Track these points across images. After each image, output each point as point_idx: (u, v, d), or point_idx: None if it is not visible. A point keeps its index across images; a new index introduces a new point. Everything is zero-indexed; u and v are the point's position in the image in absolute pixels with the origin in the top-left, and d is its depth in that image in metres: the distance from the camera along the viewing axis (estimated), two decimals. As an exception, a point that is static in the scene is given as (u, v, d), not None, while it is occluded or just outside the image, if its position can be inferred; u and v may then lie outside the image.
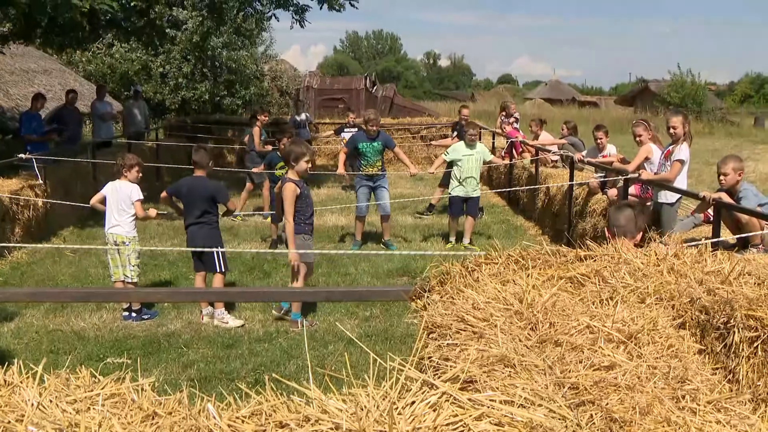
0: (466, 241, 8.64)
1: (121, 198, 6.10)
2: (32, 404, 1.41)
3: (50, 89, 18.11)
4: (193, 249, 5.91)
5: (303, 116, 14.82)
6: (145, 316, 5.94)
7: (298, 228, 5.72)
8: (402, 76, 69.79)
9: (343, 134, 13.06)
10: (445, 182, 10.37)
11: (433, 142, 14.78)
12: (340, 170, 8.84)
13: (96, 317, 5.95)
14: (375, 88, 25.98)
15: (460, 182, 8.57)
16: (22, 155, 8.88)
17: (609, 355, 1.93)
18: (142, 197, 6.16)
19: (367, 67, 64.99)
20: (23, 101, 16.20)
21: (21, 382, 1.53)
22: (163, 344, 5.34)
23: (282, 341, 5.40)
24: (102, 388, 1.47)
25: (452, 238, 8.70)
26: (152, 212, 6.25)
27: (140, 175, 6.31)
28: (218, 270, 5.95)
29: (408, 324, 5.60)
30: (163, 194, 6.19)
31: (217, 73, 22.85)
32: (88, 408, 1.40)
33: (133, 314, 5.94)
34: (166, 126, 17.38)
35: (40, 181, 8.92)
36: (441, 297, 2.45)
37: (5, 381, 1.55)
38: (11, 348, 5.22)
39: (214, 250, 5.87)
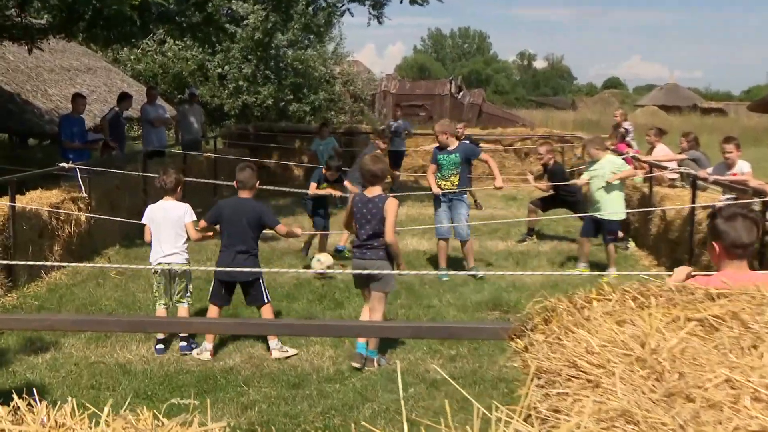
0: (610, 271, 8.51)
1: (173, 221, 6.27)
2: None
3: (94, 90, 18.79)
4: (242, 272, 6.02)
5: (399, 123, 14.84)
6: (193, 346, 6.14)
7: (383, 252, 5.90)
8: (492, 80, 69.69)
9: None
10: (536, 202, 10.64)
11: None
12: (435, 189, 8.82)
13: (144, 348, 6.15)
14: (461, 93, 26.05)
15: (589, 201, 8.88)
16: (64, 164, 9.25)
17: (757, 417, 1.85)
18: (195, 217, 6.35)
19: (452, 69, 65.27)
20: (64, 102, 16.97)
21: (75, 424, 1.60)
22: (220, 381, 5.47)
23: (355, 382, 5.45)
24: None
25: (582, 263, 8.79)
26: (207, 233, 6.43)
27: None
28: (266, 300, 6.14)
29: (500, 367, 5.59)
30: (202, 223, 6.32)
31: (282, 76, 23.31)
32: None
33: (194, 345, 6.14)
34: (225, 134, 17.91)
35: (84, 194, 9.24)
36: (546, 337, 2.42)
37: (57, 422, 1.62)
38: (46, 382, 5.41)
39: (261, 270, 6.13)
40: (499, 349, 5.94)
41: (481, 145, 14.50)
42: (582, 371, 2.09)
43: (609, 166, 8.69)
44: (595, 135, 11.18)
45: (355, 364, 5.76)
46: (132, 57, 23.77)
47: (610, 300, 2.63)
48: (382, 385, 5.37)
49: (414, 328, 2.50)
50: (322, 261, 8.06)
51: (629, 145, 12.60)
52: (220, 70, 23.01)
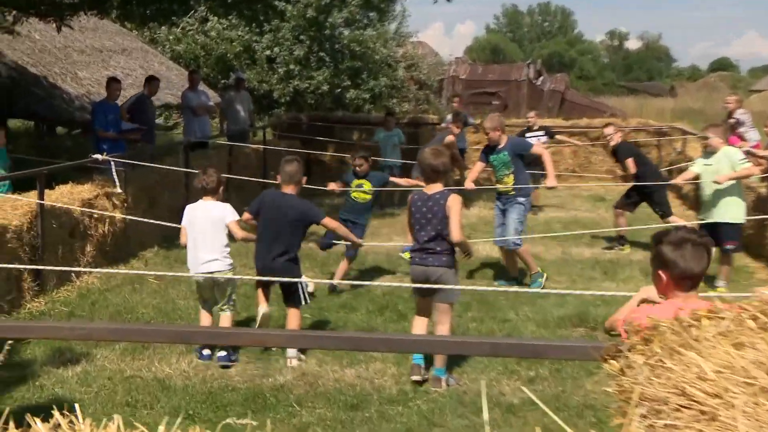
0: (720, 284, 8.37)
1: (214, 222, 6.39)
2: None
3: (130, 73, 19.12)
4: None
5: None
6: (233, 357, 6.26)
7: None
8: (576, 63, 68.82)
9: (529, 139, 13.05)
10: (621, 203, 10.54)
11: None
12: (468, 183, 8.93)
13: (185, 362, 6.25)
14: (541, 79, 25.81)
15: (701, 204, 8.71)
16: (98, 156, 9.43)
17: None
18: (238, 216, 6.47)
19: (530, 51, 64.77)
20: (96, 87, 17.36)
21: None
22: (269, 400, 5.53)
23: (421, 404, 5.44)
24: None
25: (722, 282, 8.56)
26: (247, 234, 6.51)
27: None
28: (301, 303, 6.34)
29: (587, 392, 5.55)
30: (246, 216, 6.47)
31: (338, 59, 23.41)
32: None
33: (233, 356, 6.25)
34: (275, 124, 18.11)
35: (119, 190, 9.44)
36: (647, 359, 2.36)
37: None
38: (77, 398, 5.53)
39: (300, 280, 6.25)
40: (584, 371, 5.88)
41: (560, 137, 14.36)
42: (694, 401, 2.04)
43: (727, 160, 8.39)
44: (719, 122, 10.88)
45: (414, 378, 5.79)
46: (171, 37, 24.09)
47: (724, 319, 2.56)
48: (451, 408, 5.36)
49: (493, 345, 2.47)
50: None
51: (742, 138, 12.26)
52: (268, 52, 23.20)
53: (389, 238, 10.69)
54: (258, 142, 15.15)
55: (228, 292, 6.49)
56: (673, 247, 3.25)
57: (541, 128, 13.37)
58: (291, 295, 6.38)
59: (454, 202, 5.87)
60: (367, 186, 8.57)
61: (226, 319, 6.53)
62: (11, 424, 1.68)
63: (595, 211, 13.28)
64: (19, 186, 9.05)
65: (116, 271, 8.72)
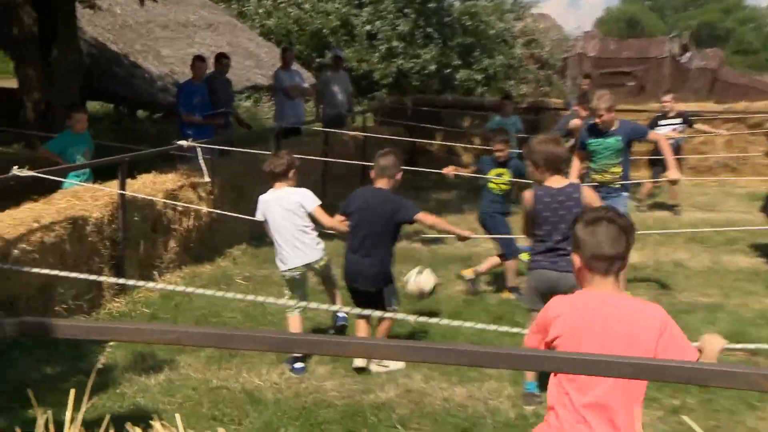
0: None
1: (292, 210, 6.52)
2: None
3: (216, 50, 19.48)
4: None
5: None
6: (297, 366, 6.42)
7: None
8: (733, 35, 66.58)
9: (657, 129, 12.70)
10: None
11: None
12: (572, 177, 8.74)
13: (276, 373, 6.36)
14: (687, 55, 25.17)
15: None
16: (183, 142, 9.63)
17: None
18: (319, 201, 6.59)
19: (674, 22, 63.07)
20: (179, 66, 17.84)
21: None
22: (370, 419, 5.57)
23: (541, 428, 5.39)
24: None
25: None
26: (336, 222, 6.58)
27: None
28: (393, 307, 6.38)
29: (748, 429, 5.40)
30: (339, 217, 6.54)
31: (447, 35, 23.33)
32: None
33: (297, 365, 6.42)
34: (377, 108, 18.22)
35: (207, 179, 9.60)
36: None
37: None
38: (160, 408, 5.70)
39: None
40: (744, 403, 5.71)
41: (700, 126, 13.79)
42: None
43: None
44: None
45: (529, 407, 5.76)
46: (261, 10, 24.56)
47: None
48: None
49: (635, 366, 2.36)
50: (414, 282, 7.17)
51: None
52: (369, 27, 23.37)
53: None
54: (357, 129, 15.26)
55: (333, 278, 6.74)
56: (585, 225, 3.33)
57: (678, 114, 12.89)
58: (381, 301, 6.41)
59: (590, 193, 5.85)
60: (506, 176, 8.54)
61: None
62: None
63: (753, 212, 12.81)
64: (98, 174, 9.38)
65: (202, 269, 8.91)
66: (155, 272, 8.72)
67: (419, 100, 18.50)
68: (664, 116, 12.74)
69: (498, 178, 8.56)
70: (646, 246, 10.13)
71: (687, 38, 26.88)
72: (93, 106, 19.65)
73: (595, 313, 3.24)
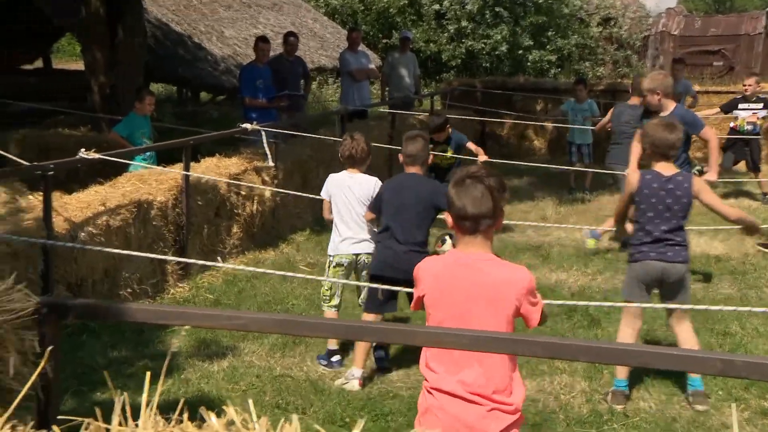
0: None
1: (362, 199, 6.53)
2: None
3: (280, 31, 19.39)
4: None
5: (683, 84, 13.98)
6: (334, 359, 6.46)
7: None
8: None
9: (736, 112, 12.39)
10: None
11: None
12: (632, 175, 8.62)
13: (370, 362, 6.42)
14: (786, 31, 24.48)
15: None
16: (247, 125, 9.69)
17: None
18: None
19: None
20: (243, 47, 18.00)
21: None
22: (436, 411, 5.60)
23: (618, 428, 5.37)
24: None
25: None
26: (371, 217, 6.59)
27: None
28: None
29: None
30: (369, 216, 6.51)
31: (519, 13, 23.15)
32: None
33: (333, 358, 6.46)
34: (444, 91, 18.17)
35: (271, 164, 9.69)
36: None
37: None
38: (223, 394, 5.83)
39: None
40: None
41: None
42: None
43: None
44: None
45: (618, 407, 5.69)
46: (330, -10, 24.66)
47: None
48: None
49: (725, 362, 2.32)
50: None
51: None
52: (437, 6, 23.30)
53: (579, 229, 10.56)
54: (424, 113, 15.20)
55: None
56: (453, 185, 3.43)
57: (759, 99, 12.47)
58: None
59: (701, 184, 5.78)
60: (449, 152, 9.20)
61: (372, 315, 6.68)
62: (185, 416, 1.79)
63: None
64: (161, 158, 9.57)
65: (266, 255, 9.00)
66: (218, 258, 8.84)
67: (489, 82, 18.35)
68: (745, 99, 12.41)
69: (442, 155, 9.15)
70: (731, 236, 9.93)
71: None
72: (155, 88, 19.96)
73: (458, 273, 3.38)
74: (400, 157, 6.41)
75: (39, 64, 20.30)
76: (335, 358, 6.48)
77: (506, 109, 16.46)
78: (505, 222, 8.75)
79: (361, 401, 5.76)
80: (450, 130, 9.43)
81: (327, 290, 6.65)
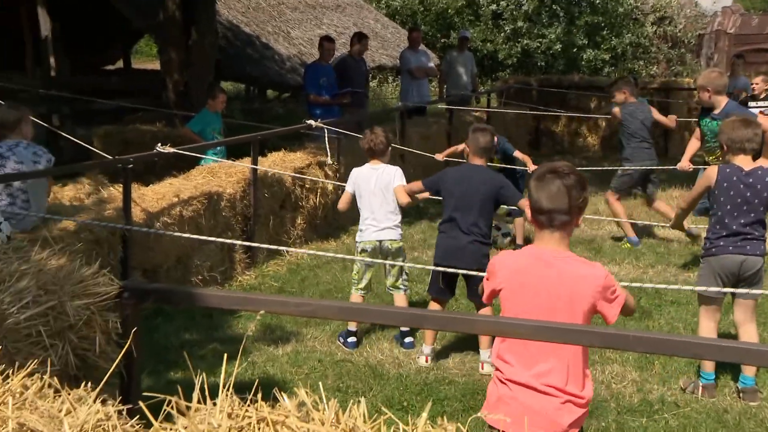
0: None
1: (384, 187, 6.61)
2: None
3: (343, 31, 19.76)
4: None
5: (742, 81, 13.76)
6: (350, 340, 6.57)
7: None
8: None
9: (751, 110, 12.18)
10: None
11: None
12: (684, 163, 8.63)
13: (397, 348, 6.51)
14: None
15: None
16: (312, 122, 9.83)
17: None
18: (405, 181, 6.67)
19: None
20: (307, 47, 18.12)
21: (369, 429, 1.73)
22: (494, 397, 5.61)
23: (669, 418, 5.33)
24: None
25: None
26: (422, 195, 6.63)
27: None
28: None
29: None
30: (417, 184, 6.48)
31: (574, 13, 22.95)
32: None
33: (350, 339, 6.58)
34: (501, 89, 18.10)
35: (330, 161, 9.78)
36: None
37: (348, 426, 1.77)
38: (288, 378, 5.92)
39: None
40: None
41: None
42: None
43: None
44: None
45: (711, 397, 5.62)
46: (387, -8, 24.71)
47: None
48: (709, 428, 5.18)
49: None
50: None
51: None
52: (494, 7, 23.22)
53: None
54: (481, 110, 15.21)
55: (398, 267, 6.70)
56: (534, 179, 3.39)
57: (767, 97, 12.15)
58: (476, 289, 6.29)
59: None
60: (496, 161, 9.01)
61: (401, 298, 6.77)
62: (259, 396, 1.84)
63: None
64: (229, 152, 9.73)
65: (326, 247, 9.07)
66: (283, 247, 8.96)
67: (544, 80, 18.20)
68: (753, 98, 12.12)
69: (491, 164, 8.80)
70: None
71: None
72: (225, 86, 20.16)
73: (534, 267, 3.34)
74: (467, 148, 6.43)
75: (120, 64, 20.68)
76: (351, 339, 6.60)
77: (560, 106, 16.35)
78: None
79: (418, 386, 5.79)
80: (496, 139, 9.33)
81: (355, 274, 6.76)
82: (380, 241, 6.63)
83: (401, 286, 6.75)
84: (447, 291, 6.35)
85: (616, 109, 9.78)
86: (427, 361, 6.22)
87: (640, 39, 24.18)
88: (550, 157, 10.34)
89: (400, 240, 6.73)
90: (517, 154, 9.23)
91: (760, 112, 10.80)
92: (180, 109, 12.28)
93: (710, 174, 5.77)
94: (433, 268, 6.16)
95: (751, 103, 11.85)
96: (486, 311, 6.11)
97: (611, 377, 5.95)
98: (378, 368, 6.13)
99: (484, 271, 6.16)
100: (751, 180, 5.57)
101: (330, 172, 9.88)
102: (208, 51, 12.83)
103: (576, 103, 16.98)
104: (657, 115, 9.94)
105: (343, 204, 6.94)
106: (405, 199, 6.56)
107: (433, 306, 6.36)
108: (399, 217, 6.70)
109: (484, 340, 6.03)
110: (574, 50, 22.77)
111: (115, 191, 7.38)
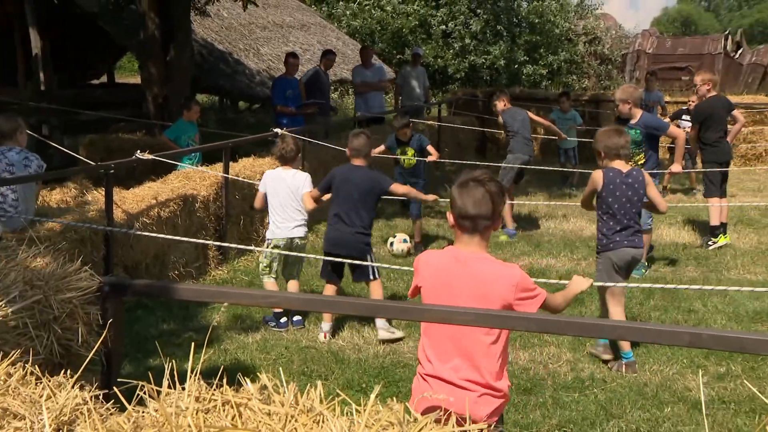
0: None
1: (293, 191, 6.73)
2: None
3: (308, 48, 19.78)
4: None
5: (655, 95, 13.86)
6: (282, 321, 6.68)
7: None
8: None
9: (680, 122, 12.40)
10: None
11: None
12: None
13: (357, 336, 6.51)
14: (740, 51, 24.46)
15: None
16: (278, 130, 9.70)
17: None
18: (312, 188, 6.78)
19: (728, 21, 61.29)
20: (275, 62, 18.06)
21: (324, 410, 1.74)
22: (441, 379, 5.65)
23: (598, 393, 5.41)
24: (422, 430, 1.60)
25: None
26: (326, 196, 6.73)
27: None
28: (372, 276, 6.51)
29: None
30: (314, 192, 6.67)
31: (516, 33, 23.17)
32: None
33: (282, 320, 6.68)
34: (451, 100, 18.20)
35: (304, 164, 9.82)
36: None
37: (306, 407, 1.78)
38: (257, 363, 5.90)
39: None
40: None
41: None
42: None
43: None
44: None
45: (606, 357, 5.87)
46: (348, 12, 24.67)
47: None
48: (632, 400, 5.28)
49: (692, 335, 2.39)
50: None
51: None
52: (444, 27, 23.32)
53: (566, 220, 10.60)
54: (432, 119, 15.27)
55: (301, 260, 6.94)
56: (457, 186, 3.33)
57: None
58: (361, 270, 6.52)
59: (649, 178, 6.02)
60: (411, 152, 9.32)
61: (294, 285, 6.94)
62: (224, 381, 1.84)
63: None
64: (206, 158, 9.69)
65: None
66: (253, 245, 8.93)
67: (489, 92, 18.32)
68: (688, 111, 12.39)
69: (405, 156, 9.32)
70: (697, 227, 9.98)
71: (740, 36, 26.05)
72: (200, 98, 20.06)
73: (454, 266, 3.30)
74: (348, 151, 6.65)
75: (104, 79, 20.60)
76: (283, 320, 6.71)
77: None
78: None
79: (376, 370, 5.81)
80: (410, 132, 9.45)
81: (266, 267, 6.87)
82: (291, 239, 6.78)
83: (296, 276, 6.98)
84: (335, 275, 6.64)
85: (500, 118, 10.16)
86: (325, 338, 6.41)
87: (574, 56, 24.56)
88: (496, 161, 10.40)
89: (305, 236, 6.91)
90: (429, 147, 9.45)
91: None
92: (159, 120, 12.24)
93: (596, 178, 5.95)
94: (324, 258, 6.39)
95: (685, 117, 12.10)
96: (377, 286, 6.55)
97: (548, 358, 6.01)
98: (339, 354, 6.13)
99: (365, 258, 6.38)
100: (629, 180, 5.87)
101: (296, 177, 9.85)
102: (185, 66, 12.77)
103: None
104: (533, 116, 10.34)
105: (257, 202, 7.04)
106: (311, 205, 6.71)
107: (328, 288, 6.67)
108: (305, 216, 6.84)
109: None
110: (516, 66, 23.00)
111: (99, 194, 7.32)
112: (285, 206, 6.76)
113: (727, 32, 26.63)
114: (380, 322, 6.39)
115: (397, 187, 6.73)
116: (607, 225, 5.92)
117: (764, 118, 15.44)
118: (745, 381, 5.39)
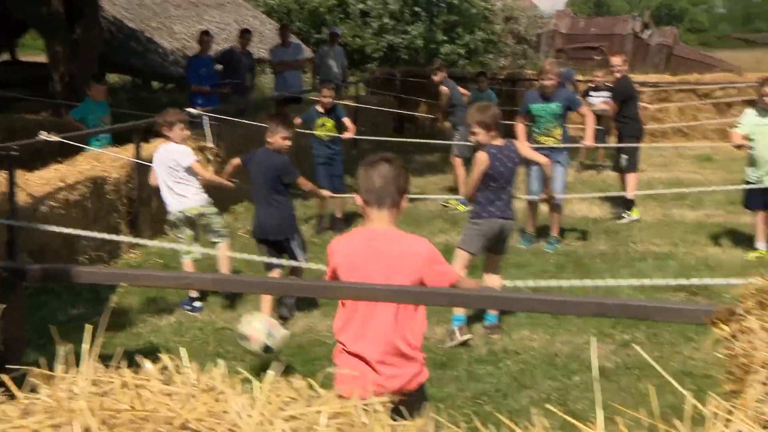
0: (761, 246, 8.05)
1: (172, 165, 6.60)
2: (243, 417, 1.54)
3: (224, 27, 19.51)
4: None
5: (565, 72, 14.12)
6: (196, 305, 6.58)
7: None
8: (687, 14, 66.27)
9: (589, 98, 12.64)
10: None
11: None
12: (524, 148, 8.99)
13: (273, 316, 6.42)
14: (649, 33, 25.12)
15: (753, 166, 8.02)
16: (192, 110, 9.55)
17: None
18: (195, 158, 6.70)
19: (638, 3, 62.72)
20: (190, 42, 17.73)
21: (226, 388, 1.70)
22: (356, 356, 5.64)
23: (511, 364, 5.51)
24: (323, 405, 1.57)
25: (760, 244, 8.14)
26: (217, 177, 6.80)
27: (188, 133, 6.94)
28: (301, 258, 6.47)
29: (685, 358, 5.54)
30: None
31: (434, 13, 23.21)
32: (309, 429, 1.51)
33: (196, 304, 6.58)
34: (368, 80, 18.13)
35: (211, 145, 9.54)
36: (763, 324, 2.32)
37: (207, 386, 1.73)
38: (171, 346, 5.80)
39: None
40: (683, 337, 5.85)
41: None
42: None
43: None
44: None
45: (466, 337, 5.88)
46: (265, -10, 24.36)
47: None
48: (543, 370, 5.41)
49: (599, 305, 2.45)
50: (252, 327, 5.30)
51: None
52: (362, 6, 23.20)
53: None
54: (350, 98, 15.21)
55: (213, 226, 6.82)
56: (363, 167, 3.37)
57: (607, 88, 12.63)
58: (285, 252, 6.44)
59: (523, 147, 6.44)
60: (330, 123, 9.14)
61: (223, 248, 6.82)
62: (126, 364, 1.78)
63: (701, 172, 12.89)
64: (117, 139, 9.42)
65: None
66: (166, 226, 8.74)
67: (407, 71, 18.39)
68: (596, 89, 12.78)
69: (323, 127, 9.12)
70: (607, 202, 10.22)
71: (647, 17, 26.74)
72: (112, 77, 19.52)
73: (365, 248, 3.31)
74: (267, 135, 6.56)
75: (6, 57, 19.82)
76: (197, 304, 6.62)
77: (421, 95, 16.50)
78: (422, 195, 8.88)
79: (293, 349, 5.77)
80: (333, 97, 9.30)
81: (183, 248, 6.81)
82: (181, 211, 6.66)
83: (218, 240, 6.85)
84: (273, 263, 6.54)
85: (442, 87, 10.32)
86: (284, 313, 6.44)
87: (491, 36, 24.71)
88: (414, 138, 10.45)
89: (203, 203, 6.76)
90: (345, 120, 9.36)
91: (603, 102, 11.24)
92: (66, 100, 11.82)
93: (482, 158, 5.99)
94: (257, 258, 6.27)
95: (593, 93, 12.35)
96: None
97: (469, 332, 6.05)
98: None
99: (293, 233, 6.37)
100: (505, 153, 6.02)
101: (210, 156, 9.68)
102: (93, 43, 12.40)
103: (435, 91, 17.10)
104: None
105: (150, 179, 6.90)
106: (206, 175, 6.81)
107: (274, 274, 6.47)
108: (195, 187, 6.71)
109: None
110: (434, 45, 23.05)
111: (1, 177, 7.04)
112: (166, 180, 6.66)
113: (635, 14, 27.30)
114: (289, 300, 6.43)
115: (303, 183, 6.69)
116: (485, 195, 6.04)
117: (668, 96, 15.85)
118: (637, 348, 5.51)
